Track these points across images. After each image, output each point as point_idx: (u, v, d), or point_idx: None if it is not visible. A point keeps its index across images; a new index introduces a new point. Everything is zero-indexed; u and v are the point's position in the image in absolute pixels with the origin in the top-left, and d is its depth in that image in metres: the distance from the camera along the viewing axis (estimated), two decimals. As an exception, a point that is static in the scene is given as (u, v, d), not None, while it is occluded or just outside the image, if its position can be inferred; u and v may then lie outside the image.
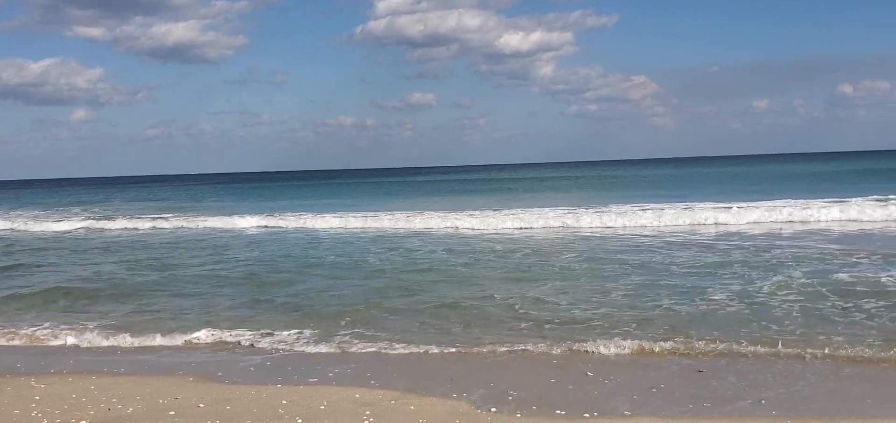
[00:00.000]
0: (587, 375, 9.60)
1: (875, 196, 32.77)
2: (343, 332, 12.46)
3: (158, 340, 12.46)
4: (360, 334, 12.24)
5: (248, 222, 36.09)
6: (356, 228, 32.34)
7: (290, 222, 35.59)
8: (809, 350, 10.32)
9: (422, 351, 11.24)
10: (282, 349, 11.66)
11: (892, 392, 8.60)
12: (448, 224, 31.20)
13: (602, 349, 10.82)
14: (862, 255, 18.65)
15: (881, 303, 13.03)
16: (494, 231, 28.91)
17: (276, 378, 9.78)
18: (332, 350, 11.50)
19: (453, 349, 11.24)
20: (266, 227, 34.73)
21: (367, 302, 14.81)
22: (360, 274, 18.67)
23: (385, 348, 11.42)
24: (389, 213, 36.74)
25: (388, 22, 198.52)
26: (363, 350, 11.40)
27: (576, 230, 28.00)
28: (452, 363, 10.54)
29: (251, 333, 12.53)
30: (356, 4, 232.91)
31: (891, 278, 15.17)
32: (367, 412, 7.95)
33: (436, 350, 11.24)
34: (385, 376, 9.75)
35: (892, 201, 30.22)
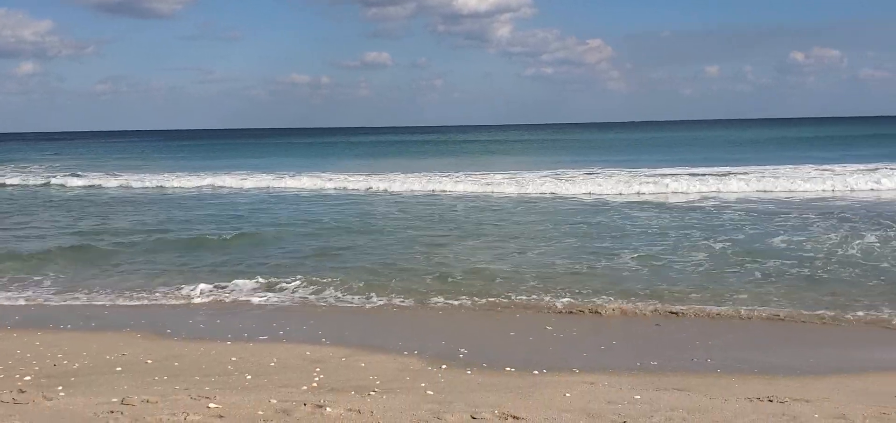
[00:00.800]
0: (545, 331, 9.71)
1: (812, 166, 33.74)
2: (294, 290, 12.38)
3: (105, 297, 12.26)
4: (312, 292, 12.18)
5: (200, 181, 35.49)
6: (309, 187, 32.06)
7: (243, 181, 35.09)
8: (755, 310, 10.57)
9: (374, 308, 11.25)
10: (232, 307, 11.55)
11: (828, 349, 8.85)
12: (404, 186, 31.05)
13: (559, 307, 10.95)
14: (813, 220, 19.08)
15: (819, 265, 13.36)
16: (451, 193, 28.84)
17: (226, 335, 9.69)
18: (282, 307, 11.43)
19: (406, 306, 11.27)
20: (218, 186, 34.24)
21: (320, 261, 14.74)
22: (313, 233, 18.54)
23: (337, 306, 11.41)
24: (343, 173, 36.53)
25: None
26: (315, 307, 11.36)
27: (534, 193, 28.11)
28: (406, 320, 10.58)
29: (201, 290, 12.39)
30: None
31: (834, 242, 15.54)
32: (318, 369, 7.92)
33: (389, 307, 11.26)
34: (336, 333, 9.73)
35: (831, 171, 30.95)
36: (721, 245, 15.48)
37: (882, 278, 12.38)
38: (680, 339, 9.45)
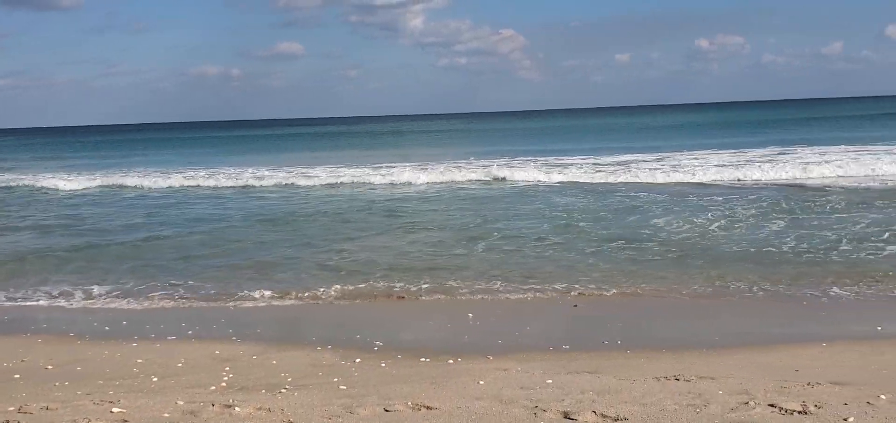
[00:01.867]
0: (464, 318, 9.74)
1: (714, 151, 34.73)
2: (203, 287, 12.09)
3: (1, 300, 11.73)
4: (222, 290, 11.89)
5: (101, 180, 34.01)
6: (217, 184, 30.89)
7: (144, 179, 33.64)
8: (667, 288, 10.89)
9: (288, 304, 11.08)
10: (138, 307, 11.21)
11: (732, 325, 9.15)
12: (318, 179, 30.42)
13: (477, 294, 11.04)
14: (718, 202, 19.69)
15: (723, 245, 13.80)
16: (366, 184, 28.28)
17: (132, 336, 9.39)
18: (192, 306, 11.14)
19: (322, 300, 11.14)
20: (124, 184, 32.98)
21: (231, 258, 14.45)
22: (222, 230, 18.11)
23: (248, 303, 11.17)
24: (254, 167, 35.82)
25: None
26: (226, 305, 11.09)
27: (448, 182, 27.90)
28: (321, 315, 10.48)
29: (105, 290, 11.98)
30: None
31: (737, 224, 16.08)
32: (227, 368, 7.74)
33: (303, 302, 11.11)
34: (247, 330, 9.54)
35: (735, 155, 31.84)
36: (635, 228, 15.83)
37: (780, 256, 12.86)
38: (593, 320, 9.65)
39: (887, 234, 14.11)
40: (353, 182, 28.88)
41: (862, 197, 19.41)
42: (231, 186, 29.41)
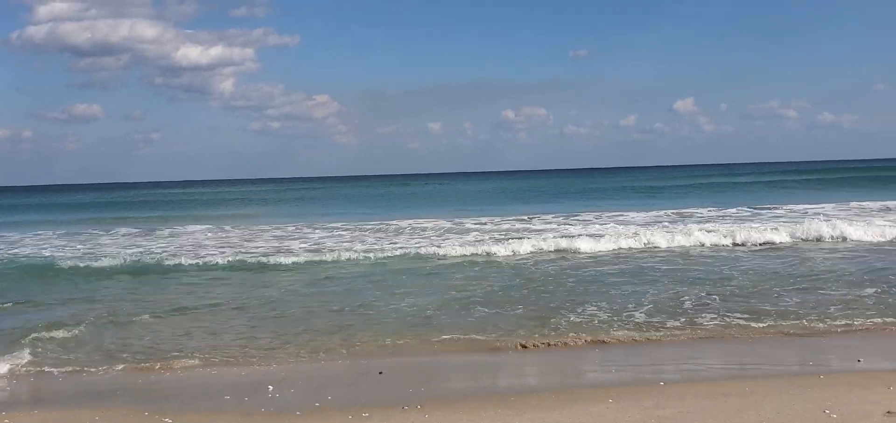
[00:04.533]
0: (263, 391, 9.43)
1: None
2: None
3: None
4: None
5: None
6: None
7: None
8: (465, 342, 11.23)
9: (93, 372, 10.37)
10: None
11: (528, 379, 9.42)
12: (103, 250, 27.10)
13: (275, 365, 10.81)
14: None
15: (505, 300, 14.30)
16: (159, 254, 25.27)
17: None
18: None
19: (98, 374, 10.53)
20: None
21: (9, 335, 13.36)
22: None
23: (33, 377, 10.37)
24: (31, 235, 33.31)
25: (50, 28, 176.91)
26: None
27: (245, 251, 26.91)
28: (103, 387, 9.86)
29: None
30: (13, 7, 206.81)
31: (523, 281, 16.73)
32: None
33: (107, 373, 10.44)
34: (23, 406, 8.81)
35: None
36: (438, 292, 16.11)
37: (544, 311, 13.43)
38: (397, 384, 9.62)
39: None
40: (140, 253, 25.93)
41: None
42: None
